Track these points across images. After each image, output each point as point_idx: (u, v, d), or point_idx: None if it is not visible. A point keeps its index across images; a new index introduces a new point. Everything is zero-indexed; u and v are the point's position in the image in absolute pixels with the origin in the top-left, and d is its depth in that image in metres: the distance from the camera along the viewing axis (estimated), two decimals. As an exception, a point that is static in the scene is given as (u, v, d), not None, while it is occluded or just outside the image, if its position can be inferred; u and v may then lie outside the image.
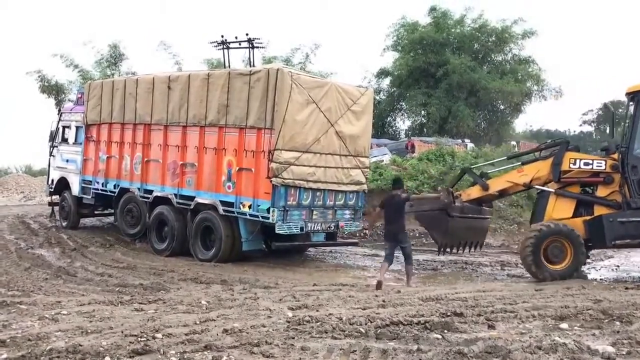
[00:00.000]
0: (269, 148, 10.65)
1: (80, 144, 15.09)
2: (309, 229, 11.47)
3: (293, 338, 5.46)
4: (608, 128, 44.24)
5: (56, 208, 16.34)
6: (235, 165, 11.31)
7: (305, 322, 6.02)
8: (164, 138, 12.71)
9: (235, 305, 7.30)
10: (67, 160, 15.72)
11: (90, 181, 14.68)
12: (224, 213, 11.38)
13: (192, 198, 12.02)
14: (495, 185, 10.70)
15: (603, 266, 12.00)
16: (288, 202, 10.88)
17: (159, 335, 5.51)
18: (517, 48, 36.11)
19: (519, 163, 11.28)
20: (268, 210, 10.71)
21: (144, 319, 6.41)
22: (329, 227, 11.90)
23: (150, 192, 12.97)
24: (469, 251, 11.69)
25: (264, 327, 5.89)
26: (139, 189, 13.24)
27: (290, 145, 10.73)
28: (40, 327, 6.04)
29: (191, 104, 12.03)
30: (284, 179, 10.68)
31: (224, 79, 11.51)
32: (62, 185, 15.83)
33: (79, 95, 16.14)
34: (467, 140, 31.10)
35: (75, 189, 15.23)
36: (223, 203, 11.41)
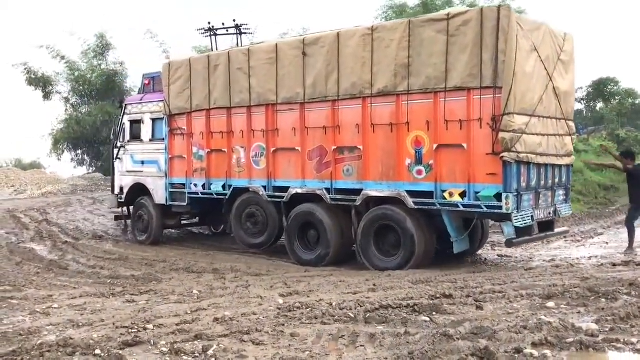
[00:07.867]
0: (492, 113, 8.19)
1: (162, 139, 12.42)
2: (537, 217, 9.01)
3: (283, 325, 5.53)
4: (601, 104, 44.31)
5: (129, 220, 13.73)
6: (428, 143, 8.80)
7: (295, 309, 6.10)
8: (300, 119, 10.16)
9: (227, 293, 7.38)
10: (143, 162, 12.99)
11: (184, 184, 12.02)
12: (414, 206, 9.02)
13: (355, 192, 9.57)
14: None
15: (592, 243, 12.11)
16: (521, 185, 8.48)
17: (150, 326, 5.57)
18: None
19: None
20: (498, 197, 8.28)
21: (135, 310, 6.47)
22: (549, 213, 9.41)
23: (284, 189, 10.47)
24: None
25: (255, 314, 5.95)
26: (264, 187, 10.71)
27: (520, 107, 8.26)
28: (31, 321, 6.10)
29: (346, 71, 9.52)
30: (518, 152, 8.24)
31: (401, 32, 8.92)
32: (137, 192, 13.20)
33: (147, 82, 13.20)
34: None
35: (160, 195, 12.50)
36: (412, 194, 8.99)
